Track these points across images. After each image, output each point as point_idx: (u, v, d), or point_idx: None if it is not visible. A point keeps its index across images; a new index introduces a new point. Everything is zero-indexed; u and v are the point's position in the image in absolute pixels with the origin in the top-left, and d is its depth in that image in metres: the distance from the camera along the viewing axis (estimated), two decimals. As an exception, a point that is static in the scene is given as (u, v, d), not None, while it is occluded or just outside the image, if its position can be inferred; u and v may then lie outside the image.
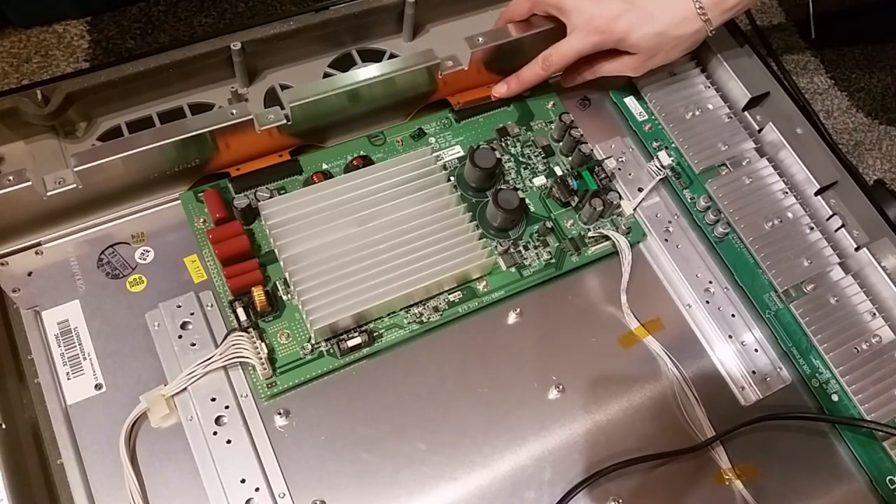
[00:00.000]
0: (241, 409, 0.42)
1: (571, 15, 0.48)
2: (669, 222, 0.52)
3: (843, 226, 0.51)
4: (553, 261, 0.49)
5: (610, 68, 0.51)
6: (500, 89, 0.52)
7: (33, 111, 0.46)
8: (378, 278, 0.44)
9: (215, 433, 0.42)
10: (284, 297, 0.45)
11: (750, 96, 0.54)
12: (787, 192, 0.51)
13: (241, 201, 0.45)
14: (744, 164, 0.53)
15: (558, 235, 0.49)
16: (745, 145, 0.53)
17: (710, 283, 0.50)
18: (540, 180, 0.51)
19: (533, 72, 0.51)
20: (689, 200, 0.52)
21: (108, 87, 0.48)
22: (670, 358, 0.47)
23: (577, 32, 0.48)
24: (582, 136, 0.51)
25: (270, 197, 0.46)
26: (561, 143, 0.52)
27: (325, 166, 0.49)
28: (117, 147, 0.43)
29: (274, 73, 0.54)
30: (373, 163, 0.49)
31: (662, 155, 0.52)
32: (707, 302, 0.49)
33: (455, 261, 0.45)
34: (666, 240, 0.51)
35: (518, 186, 0.50)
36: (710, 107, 0.54)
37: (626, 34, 0.47)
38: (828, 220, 0.51)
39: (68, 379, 0.42)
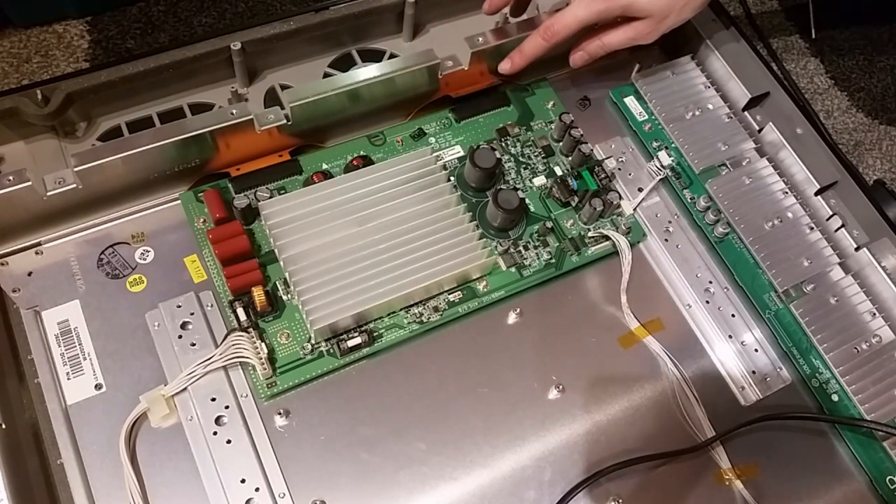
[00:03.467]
0: (241, 409, 0.42)
1: None
2: (669, 222, 0.52)
3: (843, 226, 0.51)
4: (553, 261, 0.49)
5: (620, 38, 0.49)
6: (504, 66, 0.51)
7: (33, 111, 0.46)
8: (378, 278, 0.44)
9: (215, 433, 0.42)
10: (284, 297, 0.45)
11: (750, 96, 0.54)
12: (787, 192, 0.51)
13: (241, 201, 0.45)
14: (744, 164, 0.53)
15: (558, 235, 0.49)
16: (745, 145, 0.53)
17: (710, 283, 0.50)
18: (540, 180, 0.51)
19: (535, 43, 0.49)
20: (689, 200, 0.52)
21: (108, 87, 0.48)
22: (670, 358, 0.47)
23: (581, 0, 0.46)
24: (582, 136, 0.51)
25: (270, 197, 0.46)
26: (561, 143, 0.52)
27: (325, 166, 0.49)
28: (117, 147, 0.43)
29: (274, 73, 0.54)
30: (373, 163, 0.49)
31: (662, 155, 0.52)
32: (707, 302, 0.49)
33: (455, 261, 0.45)
34: (666, 240, 0.51)
35: (518, 186, 0.50)
36: (710, 107, 0.54)
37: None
38: (828, 220, 0.51)
39: (68, 379, 0.42)
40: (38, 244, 0.46)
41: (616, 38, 0.49)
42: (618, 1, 0.45)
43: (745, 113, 0.55)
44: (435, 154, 0.49)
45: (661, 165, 0.52)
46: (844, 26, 0.80)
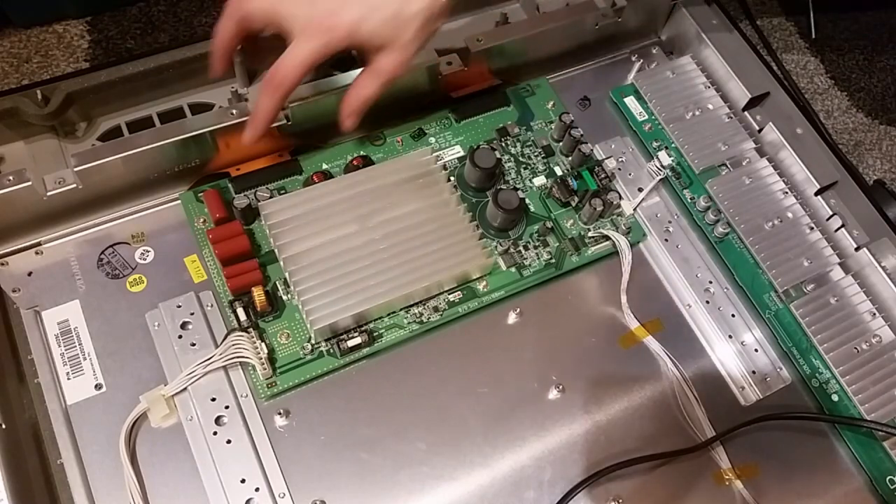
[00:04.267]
0: (241, 409, 0.42)
1: (288, 21, 0.40)
2: (669, 222, 0.52)
3: (843, 226, 0.51)
4: (553, 261, 0.49)
5: (372, 86, 0.43)
6: (245, 137, 0.44)
7: (33, 111, 0.46)
8: (378, 278, 0.44)
9: (215, 433, 0.42)
10: (284, 297, 0.45)
11: (750, 96, 0.54)
12: (787, 192, 0.51)
13: (241, 201, 0.45)
14: (744, 164, 0.53)
15: (558, 235, 0.49)
16: (745, 145, 0.53)
17: (710, 283, 0.50)
18: (540, 180, 0.51)
19: (264, 104, 0.42)
20: (689, 200, 0.52)
21: (108, 87, 0.48)
22: (670, 358, 0.47)
23: (300, 37, 0.40)
24: (582, 136, 0.51)
25: (270, 197, 0.46)
26: (561, 143, 0.52)
27: (325, 166, 0.49)
28: (117, 147, 0.44)
29: (274, 73, 0.54)
30: (373, 163, 0.49)
31: (662, 155, 0.52)
32: (707, 302, 0.49)
33: (455, 261, 0.45)
34: (666, 240, 0.51)
35: (518, 186, 0.50)
36: (710, 107, 0.54)
37: (355, 26, 0.40)
38: (828, 220, 0.51)
39: (68, 379, 0.42)
40: (38, 244, 0.46)
41: (369, 87, 0.43)
42: (339, 29, 0.40)
43: (745, 113, 0.55)
44: (435, 154, 0.49)
45: (661, 165, 0.52)
46: (844, 26, 0.80)
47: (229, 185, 0.47)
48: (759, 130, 0.55)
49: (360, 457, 0.43)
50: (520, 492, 0.43)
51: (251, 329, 0.43)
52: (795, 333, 0.48)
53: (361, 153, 0.50)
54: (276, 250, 0.45)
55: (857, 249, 0.50)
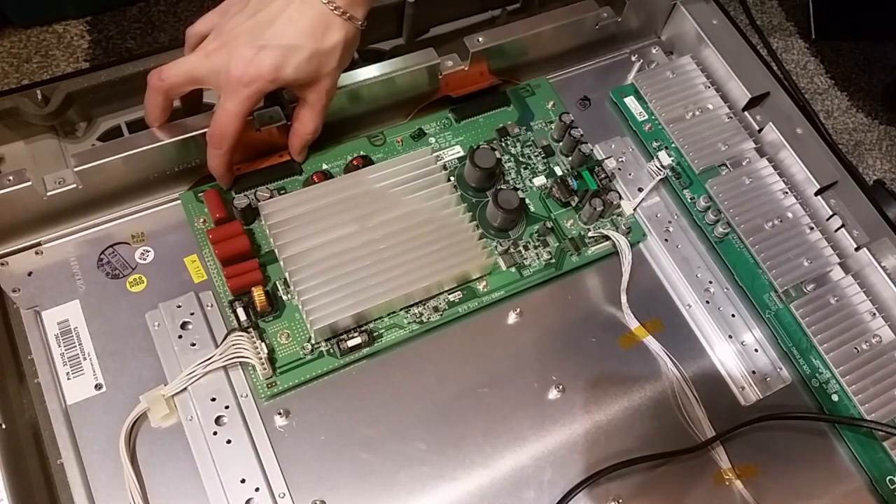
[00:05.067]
0: (241, 409, 0.42)
1: (209, 81, 0.42)
2: (669, 222, 0.52)
3: (843, 226, 0.51)
4: (553, 261, 0.49)
5: (311, 123, 0.45)
6: (223, 185, 0.47)
7: (33, 111, 0.46)
8: (378, 278, 0.44)
9: (215, 433, 0.42)
10: (284, 297, 0.45)
11: (750, 96, 0.54)
12: (787, 192, 0.51)
13: (241, 201, 0.45)
14: (744, 164, 0.53)
15: (558, 235, 0.49)
16: (745, 145, 0.53)
17: (710, 283, 0.50)
18: (540, 180, 0.51)
19: (213, 157, 0.44)
20: (689, 200, 0.52)
21: (108, 87, 0.48)
22: (670, 358, 0.47)
23: (226, 93, 0.41)
24: (582, 136, 0.51)
25: (270, 197, 0.46)
26: (561, 143, 0.52)
27: (325, 166, 0.49)
28: (117, 147, 0.44)
29: (274, 73, 0.54)
30: (373, 163, 0.49)
31: (662, 155, 0.52)
32: (707, 302, 0.49)
33: (455, 261, 0.45)
34: (666, 240, 0.51)
35: (518, 186, 0.50)
36: (710, 107, 0.54)
37: (277, 71, 0.41)
38: (828, 220, 0.51)
39: (68, 379, 0.42)
40: (38, 244, 0.46)
41: (310, 123, 0.45)
42: (262, 78, 0.41)
43: (745, 113, 0.55)
44: (435, 154, 0.49)
45: (661, 165, 0.52)
46: (844, 26, 0.80)
47: (229, 185, 0.47)
48: (759, 130, 0.55)
49: (360, 457, 0.43)
50: (520, 492, 0.43)
51: (251, 329, 0.43)
52: (795, 333, 0.48)
53: (361, 153, 0.50)
54: (276, 250, 0.45)
55: (857, 249, 0.50)
